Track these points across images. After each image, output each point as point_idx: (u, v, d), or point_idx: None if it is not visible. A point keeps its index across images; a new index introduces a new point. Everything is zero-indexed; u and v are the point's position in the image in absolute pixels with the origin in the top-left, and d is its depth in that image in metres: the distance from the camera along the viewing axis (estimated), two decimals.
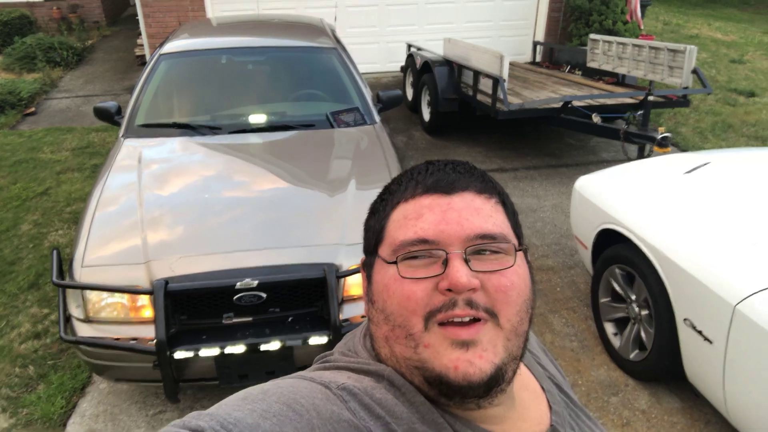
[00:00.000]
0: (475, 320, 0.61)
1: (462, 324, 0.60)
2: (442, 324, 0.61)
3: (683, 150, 5.71)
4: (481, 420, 0.65)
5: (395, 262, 0.64)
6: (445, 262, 0.62)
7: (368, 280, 0.70)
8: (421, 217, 0.64)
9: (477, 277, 0.61)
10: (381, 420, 0.60)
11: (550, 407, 0.74)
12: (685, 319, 2.36)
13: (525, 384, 0.74)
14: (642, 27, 7.62)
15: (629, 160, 4.13)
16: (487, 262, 0.63)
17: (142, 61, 8.43)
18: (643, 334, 2.72)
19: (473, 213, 0.64)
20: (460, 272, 0.60)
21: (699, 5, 14.53)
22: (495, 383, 0.61)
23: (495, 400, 0.64)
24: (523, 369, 0.76)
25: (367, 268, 0.71)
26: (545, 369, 0.82)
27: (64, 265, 2.51)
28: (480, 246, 0.63)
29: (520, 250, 0.67)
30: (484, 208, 0.66)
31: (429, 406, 0.63)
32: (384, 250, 0.67)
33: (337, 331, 2.29)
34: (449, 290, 0.60)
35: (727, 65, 8.98)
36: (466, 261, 0.62)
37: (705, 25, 11.92)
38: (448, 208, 0.64)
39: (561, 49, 7.45)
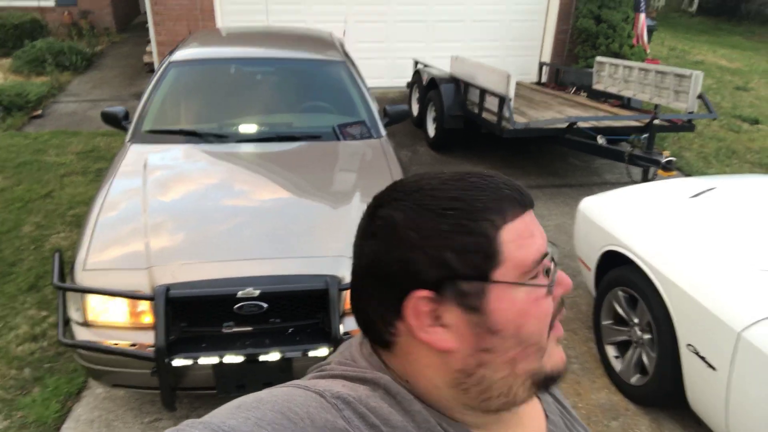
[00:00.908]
0: None
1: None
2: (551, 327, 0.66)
3: (687, 174, 5.71)
4: (478, 427, 0.65)
5: (525, 284, 0.63)
6: (547, 271, 0.65)
7: (473, 311, 0.63)
8: (532, 234, 0.66)
9: None
10: (376, 429, 0.59)
11: (547, 416, 0.76)
12: (688, 345, 2.34)
13: None
14: (648, 51, 7.67)
15: (633, 182, 4.13)
16: None
17: (150, 68, 8.49)
18: (645, 359, 2.70)
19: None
20: (566, 276, 0.67)
21: (704, 32, 14.64)
22: None
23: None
24: None
25: (469, 297, 0.62)
26: None
27: (66, 268, 2.49)
28: None
29: None
30: None
31: (425, 414, 0.63)
32: (507, 274, 0.62)
33: (338, 344, 2.27)
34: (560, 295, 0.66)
35: (732, 92, 9.02)
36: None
37: (710, 52, 12.00)
38: (536, 222, 0.68)
39: (567, 70, 7.49)
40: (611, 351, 2.97)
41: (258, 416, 0.56)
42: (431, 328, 0.63)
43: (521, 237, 0.64)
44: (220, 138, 3.36)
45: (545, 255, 0.65)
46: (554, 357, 0.66)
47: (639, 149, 5.03)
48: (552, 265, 0.66)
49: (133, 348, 2.25)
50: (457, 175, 0.67)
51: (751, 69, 10.74)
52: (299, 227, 2.65)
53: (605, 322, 3.01)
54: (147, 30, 7.90)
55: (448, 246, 0.62)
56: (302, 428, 0.55)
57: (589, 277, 3.17)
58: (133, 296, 2.26)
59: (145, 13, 7.83)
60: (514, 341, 0.62)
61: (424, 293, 0.62)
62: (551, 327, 0.65)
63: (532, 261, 0.63)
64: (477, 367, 0.64)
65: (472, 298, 0.62)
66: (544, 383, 0.66)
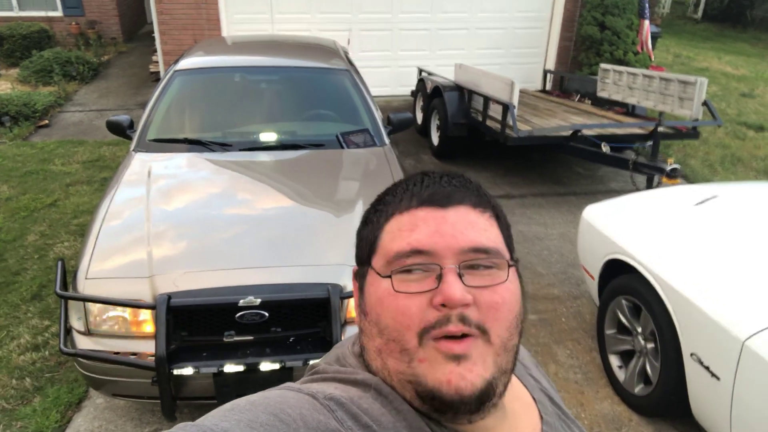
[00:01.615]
0: (466, 335, 0.61)
1: (454, 338, 0.61)
2: (435, 339, 0.61)
3: (692, 182, 5.68)
4: (470, 430, 0.65)
5: (389, 276, 0.64)
6: (439, 277, 0.62)
7: (360, 290, 0.70)
8: (415, 228, 0.65)
9: (470, 292, 0.61)
10: (368, 429, 0.60)
11: (542, 418, 0.74)
12: (692, 354, 2.32)
13: (516, 395, 0.74)
14: (653, 58, 7.66)
15: (638, 190, 4.12)
16: (480, 277, 0.63)
17: (156, 78, 8.54)
18: (648, 368, 2.68)
19: (468, 226, 0.65)
20: (454, 287, 0.61)
21: (709, 39, 14.61)
22: (486, 398, 0.61)
23: (487, 415, 0.64)
24: (514, 380, 0.76)
25: (359, 278, 0.71)
26: (537, 381, 0.82)
27: (69, 277, 2.50)
28: (474, 260, 0.63)
29: (512, 264, 0.67)
30: (479, 222, 0.66)
31: (415, 414, 0.63)
32: (378, 262, 0.67)
33: None
34: (443, 305, 0.61)
35: (737, 99, 8.99)
36: (460, 276, 0.62)
37: (715, 59, 11.97)
38: (443, 221, 0.65)
39: (571, 77, 7.48)
40: (615, 361, 2.95)
41: (250, 418, 0.56)
42: (357, 306, 0.71)
43: (400, 229, 0.66)
44: (224, 147, 3.37)
45: (420, 252, 0.63)
46: (437, 372, 0.60)
47: (643, 157, 5.01)
48: (451, 272, 0.62)
49: (133, 357, 2.25)
50: (414, 174, 0.72)
51: (757, 75, 10.70)
52: (301, 236, 2.65)
53: (609, 332, 2.99)
54: (153, 39, 7.95)
55: (360, 233, 0.72)
56: (294, 429, 0.56)
57: (593, 286, 3.15)
58: (135, 305, 2.26)
59: (152, 22, 7.89)
60: (377, 329, 0.65)
61: (354, 268, 0.73)
62: (425, 333, 0.61)
63: (395, 252, 0.64)
64: (365, 350, 0.69)
65: (361, 279, 0.70)
66: (432, 401, 0.61)
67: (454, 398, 0.60)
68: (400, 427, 0.61)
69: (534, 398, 0.77)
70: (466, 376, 0.60)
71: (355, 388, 0.65)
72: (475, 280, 0.63)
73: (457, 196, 0.67)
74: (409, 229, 0.65)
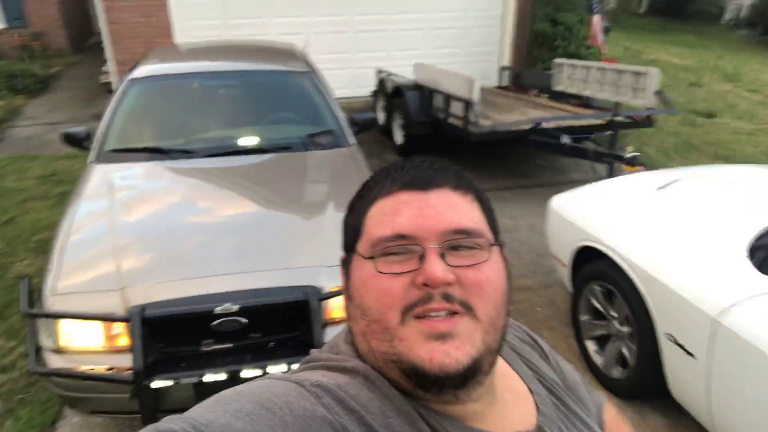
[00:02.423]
0: (452, 314, 0.62)
1: (438, 314, 0.61)
2: (418, 317, 0.62)
3: (649, 169, 5.85)
4: (459, 415, 0.65)
5: (372, 258, 0.65)
6: (422, 258, 0.63)
7: (347, 277, 0.71)
8: (398, 212, 0.65)
9: (453, 272, 0.62)
10: (356, 414, 0.60)
11: (538, 408, 0.74)
12: (666, 334, 2.39)
13: (509, 386, 0.74)
14: (604, 51, 7.87)
15: (599, 179, 4.21)
16: (462, 257, 0.64)
17: (108, 89, 8.31)
18: (625, 351, 2.74)
19: (449, 208, 0.66)
20: (436, 267, 0.61)
21: (655, 32, 15.12)
22: (471, 375, 0.62)
23: (473, 394, 0.65)
24: (508, 371, 0.77)
25: (345, 265, 0.72)
26: (535, 371, 0.81)
27: (34, 295, 2.40)
28: (456, 241, 0.64)
29: (495, 245, 0.68)
30: (460, 204, 0.67)
31: (402, 398, 0.63)
32: (362, 246, 0.68)
33: None
34: (425, 285, 0.61)
35: (686, 88, 9.32)
36: (442, 256, 0.63)
37: (663, 51, 12.39)
38: (425, 204, 0.65)
39: (527, 74, 7.63)
40: (591, 346, 3.01)
41: (236, 408, 0.56)
42: (344, 292, 0.72)
43: (384, 213, 0.67)
44: (187, 153, 3.30)
45: (403, 236, 0.63)
46: (419, 350, 0.61)
47: (602, 146, 5.14)
48: (432, 253, 0.62)
49: (110, 372, 2.17)
50: (398, 161, 0.73)
51: (702, 65, 11.12)
52: (274, 239, 2.61)
53: (583, 318, 3.05)
54: (102, 50, 7.74)
55: (345, 221, 0.73)
56: (280, 417, 0.56)
57: (565, 274, 3.21)
58: (108, 318, 2.19)
59: (100, 33, 7.67)
60: (360, 311, 0.66)
61: (341, 256, 0.73)
62: (408, 311, 0.62)
63: (378, 236, 0.65)
64: (352, 335, 0.70)
65: (347, 266, 0.71)
66: (417, 377, 0.62)
67: (438, 374, 0.60)
68: (388, 412, 0.62)
69: (530, 389, 0.77)
70: (451, 352, 0.60)
71: (343, 375, 0.65)
72: (458, 260, 0.63)
73: (438, 180, 0.68)
74: (392, 213, 0.66)
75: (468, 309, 0.62)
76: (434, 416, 0.63)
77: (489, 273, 0.64)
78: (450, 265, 0.62)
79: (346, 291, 0.71)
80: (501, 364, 0.74)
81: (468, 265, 0.63)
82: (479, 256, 0.64)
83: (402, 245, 0.63)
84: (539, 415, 0.73)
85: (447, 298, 0.61)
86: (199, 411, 0.57)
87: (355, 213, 0.71)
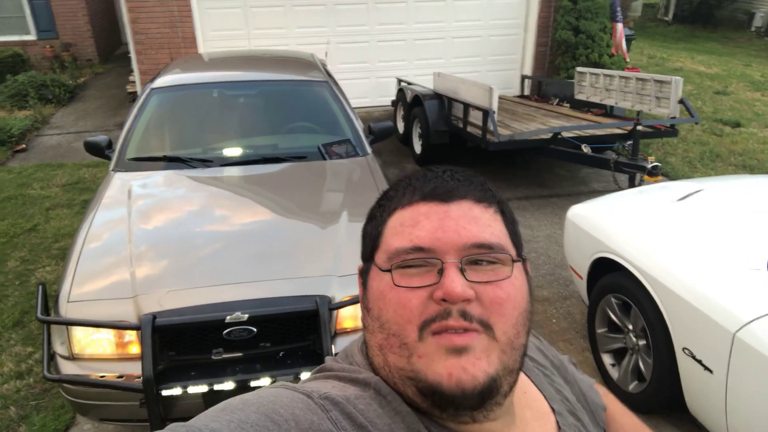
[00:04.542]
0: (467, 330, 0.60)
1: (456, 331, 0.59)
2: (436, 333, 0.60)
3: (672, 179, 5.74)
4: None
5: (390, 270, 0.63)
6: (441, 272, 0.60)
7: (364, 287, 0.69)
8: (417, 224, 0.63)
9: (472, 288, 0.60)
10: (364, 429, 0.59)
11: (560, 428, 0.72)
12: (684, 349, 2.32)
13: (528, 403, 0.72)
14: (627, 60, 7.77)
15: (620, 189, 4.14)
16: (483, 273, 0.62)
17: (133, 98, 8.47)
18: (641, 365, 2.67)
19: (471, 222, 0.63)
20: (455, 282, 0.59)
21: (681, 40, 14.88)
22: (489, 394, 0.59)
23: (491, 414, 0.62)
24: (530, 388, 0.74)
25: (363, 275, 0.70)
26: (560, 390, 0.79)
27: (50, 302, 2.44)
28: (476, 256, 0.62)
29: (518, 260, 0.65)
30: (483, 217, 0.65)
31: (414, 416, 0.61)
32: (380, 257, 0.66)
33: None
34: (444, 300, 0.59)
35: (712, 96, 9.14)
36: (462, 271, 0.60)
37: (688, 59, 12.19)
38: (445, 216, 0.63)
39: (549, 82, 7.56)
40: (607, 359, 2.94)
41: (241, 418, 0.55)
42: (361, 302, 0.70)
43: (402, 225, 0.65)
44: (205, 162, 3.34)
45: (421, 249, 0.61)
46: (438, 366, 0.59)
47: (624, 156, 5.06)
48: (452, 267, 0.60)
49: (120, 380, 2.19)
50: (418, 170, 0.72)
51: (729, 73, 10.90)
52: (287, 249, 2.62)
53: (600, 330, 2.99)
54: (130, 60, 7.90)
55: (364, 230, 0.71)
56: (286, 430, 0.55)
57: (582, 286, 3.15)
58: (119, 326, 2.21)
59: (127, 43, 7.84)
60: (378, 324, 0.64)
61: (359, 266, 0.71)
62: (425, 327, 0.60)
63: (396, 248, 0.63)
64: (368, 347, 0.68)
65: (364, 275, 0.69)
66: (433, 396, 0.60)
67: (455, 392, 0.58)
68: (396, 429, 0.60)
69: (553, 408, 0.74)
70: (468, 368, 0.58)
71: (353, 387, 0.64)
72: (478, 275, 0.61)
73: (460, 191, 0.65)
74: (411, 225, 0.64)
75: (486, 327, 0.60)
76: (440, 430, 0.62)
77: (510, 291, 0.62)
78: (469, 281, 0.60)
79: (363, 301, 0.69)
80: (522, 380, 0.72)
81: (488, 282, 0.61)
82: (500, 272, 0.62)
83: (420, 258, 0.62)
84: None
85: (465, 315, 0.59)
86: (204, 419, 0.56)
87: (374, 222, 0.70)
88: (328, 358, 0.73)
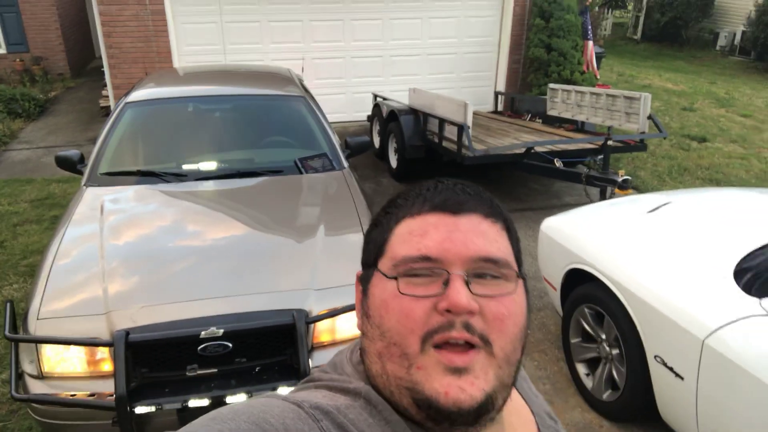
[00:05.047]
0: (470, 345, 0.60)
1: (457, 346, 0.60)
2: (437, 347, 0.60)
3: (642, 192, 5.87)
4: None
5: (396, 278, 0.63)
6: (446, 282, 0.61)
7: (364, 294, 0.69)
8: (426, 234, 0.64)
9: (476, 301, 0.61)
10: None
11: (539, 430, 0.74)
12: (655, 356, 2.37)
13: (515, 408, 0.73)
14: (598, 77, 7.95)
15: (592, 202, 4.22)
16: (487, 287, 0.63)
17: (106, 113, 8.37)
18: (615, 374, 2.71)
19: (479, 235, 0.64)
20: (461, 293, 0.60)
21: (649, 58, 15.29)
22: (485, 411, 0.60)
23: (483, 430, 0.63)
24: (514, 393, 0.75)
25: (363, 281, 0.70)
26: (536, 395, 0.82)
27: (18, 320, 2.38)
28: (482, 269, 0.63)
29: (520, 277, 0.67)
30: (490, 232, 0.66)
31: (404, 425, 0.62)
32: (384, 264, 0.66)
33: None
34: (448, 311, 0.60)
35: (679, 113, 9.39)
36: (467, 283, 0.61)
37: (656, 76, 12.52)
38: (455, 229, 0.64)
39: (521, 98, 7.69)
40: (582, 369, 2.98)
41: (231, 427, 0.55)
42: (359, 309, 0.69)
43: (411, 233, 0.65)
44: (179, 177, 3.31)
45: (429, 259, 0.62)
46: (435, 382, 0.60)
47: (595, 170, 5.16)
48: (458, 279, 0.61)
49: (91, 398, 2.15)
50: (428, 180, 0.72)
51: (695, 91, 11.22)
52: (263, 263, 2.61)
53: (574, 341, 3.03)
54: (103, 74, 7.81)
55: (368, 236, 0.72)
56: None
57: (556, 297, 3.19)
58: (91, 343, 2.17)
59: (100, 57, 7.76)
60: (378, 332, 0.64)
61: (358, 272, 0.71)
62: (428, 338, 0.60)
63: (403, 256, 0.64)
64: (365, 353, 0.67)
65: (365, 282, 0.69)
66: (429, 410, 0.60)
67: (452, 410, 0.59)
68: None
69: (533, 412, 0.76)
70: (466, 389, 0.59)
71: (344, 397, 0.64)
72: (482, 288, 0.62)
73: (470, 205, 0.66)
74: (420, 234, 0.64)
75: (486, 343, 0.61)
76: None
77: (511, 307, 0.63)
78: (474, 294, 0.61)
79: (362, 308, 0.69)
80: None
81: (492, 296, 0.62)
82: (504, 288, 0.63)
83: (427, 267, 0.62)
84: None
85: (468, 328, 0.60)
86: (194, 428, 0.56)
87: (379, 229, 0.70)
88: (315, 370, 0.73)
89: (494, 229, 0.66)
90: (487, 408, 0.60)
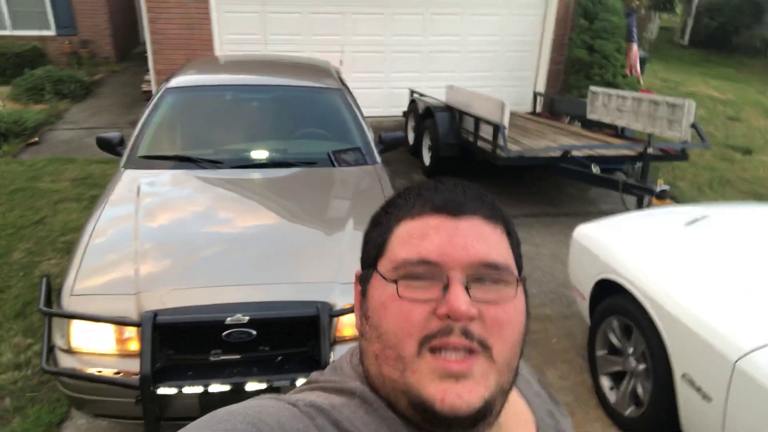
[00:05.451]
0: (469, 351, 0.59)
1: (455, 352, 0.59)
2: (433, 351, 0.59)
3: (680, 203, 5.72)
4: None
5: (395, 281, 0.62)
6: (446, 287, 0.60)
7: (363, 294, 0.68)
8: (426, 237, 0.63)
9: (476, 306, 0.60)
10: None
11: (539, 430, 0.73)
12: (683, 375, 2.30)
13: (514, 410, 0.72)
14: (641, 82, 7.77)
15: (628, 211, 4.13)
16: (486, 291, 0.62)
17: (148, 97, 8.53)
18: (639, 389, 2.65)
19: (479, 239, 0.63)
20: (460, 299, 0.59)
21: (696, 64, 14.87)
22: (482, 416, 0.60)
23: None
24: (513, 395, 0.74)
25: (362, 281, 0.69)
26: (538, 396, 0.80)
27: (53, 294, 2.46)
28: (482, 274, 0.62)
29: (520, 282, 0.65)
30: (491, 236, 0.65)
31: (399, 422, 0.62)
32: (384, 266, 0.65)
33: None
34: (447, 316, 0.59)
35: (724, 122, 9.11)
36: (467, 288, 0.60)
37: (702, 84, 12.16)
38: (455, 232, 0.63)
39: (561, 100, 7.56)
40: (606, 382, 2.92)
41: (227, 428, 0.56)
42: (358, 309, 0.69)
43: (411, 235, 0.64)
44: (215, 164, 3.36)
45: (429, 262, 0.61)
46: (430, 387, 0.59)
47: (633, 178, 5.05)
48: (457, 284, 0.60)
49: (117, 376, 2.20)
50: (428, 181, 0.71)
51: (743, 100, 10.87)
52: (291, 253, 2.63)
53: (600, 353, 2.97)
54: (146, 59, 7.98)
55: (367, 235, 0.71)
56: None
57: (584, 306, 3.14)
58: (120, 322, 2.22)
59: (145, 42, 7.92)
60: (376, 333, 0.63)
61: (357, 272, 0.71)
62: (425, 342, 0.59)
63: (403, 259, 0.63)
64: (364, 354, 0.67)
65: (364, 282, 0.68)
66: (425, 413, 0.59)
67: (448, 415, 0.58)
68: None
69: (533, 412, 0.75)
70: (464, 395, 0.58)
71: (339, 396, 0.64)
72: (482, 293, 0.61)
73: (471, 207, 0.65)
74: (420, 237, 0.63)
75: (485, 348, 0.60)
76: None
77: (511, 313, 0.62)
78: (474, 299, 0.60)
79: (361, 309, 0.68)
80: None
81: (491, 301, 0.61)
82: (504, 293, 0.62)
83: (426, 271, 0.61)
84: None
85: (466, 334, 0.59)
86: (191, 430, 0.57)
87: (379, 229, 0.69)
88: (314, 373, 0.73)
89: (495, 233, 0.65)
90: (485, 414, 0.60)
